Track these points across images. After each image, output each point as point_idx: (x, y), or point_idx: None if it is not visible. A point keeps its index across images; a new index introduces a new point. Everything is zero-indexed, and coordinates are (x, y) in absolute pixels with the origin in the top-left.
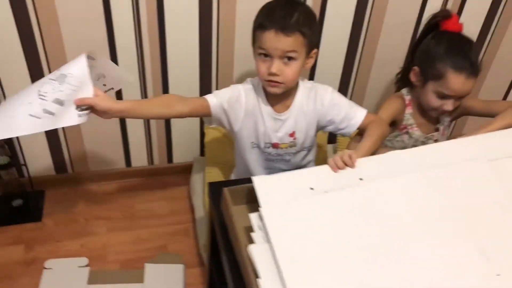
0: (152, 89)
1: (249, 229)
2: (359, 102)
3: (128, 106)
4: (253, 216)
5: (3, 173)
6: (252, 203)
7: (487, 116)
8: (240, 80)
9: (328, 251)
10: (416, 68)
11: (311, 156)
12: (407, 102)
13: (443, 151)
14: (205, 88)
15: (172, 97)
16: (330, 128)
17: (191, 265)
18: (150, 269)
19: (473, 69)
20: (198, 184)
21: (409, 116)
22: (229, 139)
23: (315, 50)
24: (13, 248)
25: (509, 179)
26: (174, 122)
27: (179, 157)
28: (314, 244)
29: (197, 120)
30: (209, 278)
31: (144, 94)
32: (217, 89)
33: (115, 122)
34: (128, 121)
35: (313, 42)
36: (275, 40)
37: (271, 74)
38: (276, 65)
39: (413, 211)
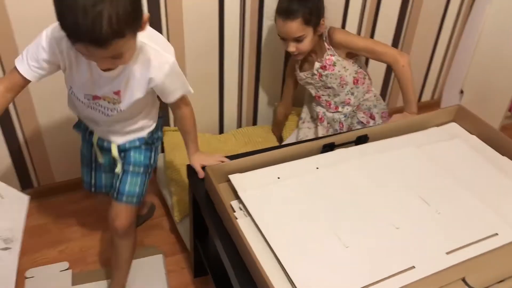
0: None
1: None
2: None
3: None
4: (233, 203)
5: None
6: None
7: (372, 57)
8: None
9: (298, 216)
10: None
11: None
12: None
13: (383, 144)
14: None
15: None
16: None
17: (169, 254)
18: (133, 265)
19: (287, 13)
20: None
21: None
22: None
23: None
24: None
25: (433, 156)
26: None
27: None
28: (285, 214)
29: None
30: (194, 251)
31: None
32: None
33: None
34: None
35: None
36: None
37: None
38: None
39: (363, 183)
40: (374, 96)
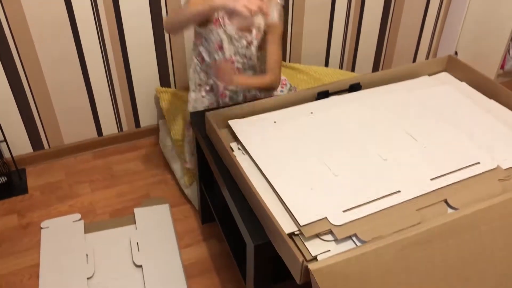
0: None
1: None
2: None
3: None
4: (233, 144)
5: None
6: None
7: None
8: None
9: (292, 153)
10: None
11: None
12: None
13: (375, 90)
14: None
15: None
16: None
17: (175, 204)
18: (139, 212)
19: None
20: (168, 140)
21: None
22: (180, 98)
23: None
24: (7, 218)
25: (422, 99)
26: (137, 89)
27: (145, 121)
28: (280, 151)
29: (157, 85)
30: (200, 198)
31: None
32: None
33: (84, 95)
34: (96, 93)
35: None
36: None
37: None
38: None
39: (354, 123)
40: None
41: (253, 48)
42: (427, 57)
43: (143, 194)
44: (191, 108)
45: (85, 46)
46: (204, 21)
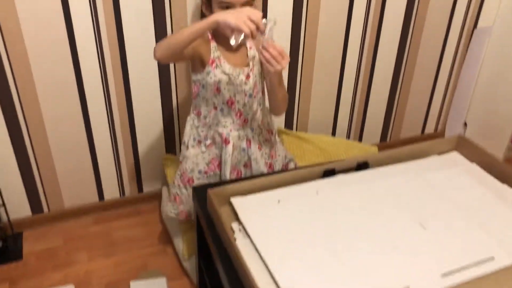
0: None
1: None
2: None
3: None
4: (234, 224)
5: None
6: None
7: (270, 89)
8: None
9: (296, 237)
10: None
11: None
12: (210, 37)
13: (383, 170)
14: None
15: None
16: None
17: (172, 278)
18: (135, 286)
19: None
20: None
21: (215, 49)
22: None
23: None
24: None
25: (432, 182)
26: (142, 153)
27: (149, 186)
28: (284, 234)
29: (162, 150)
30: (198, 273)
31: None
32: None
33: (87, 157)
34: (99, 155)
35: None
36: None
37: None
38: None
39: (362, 207)
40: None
41: (251, 81)
42: (436, 127)
43: (141, 265)
44: (190, 164)
45: (91, 110)
46: (199, 62)
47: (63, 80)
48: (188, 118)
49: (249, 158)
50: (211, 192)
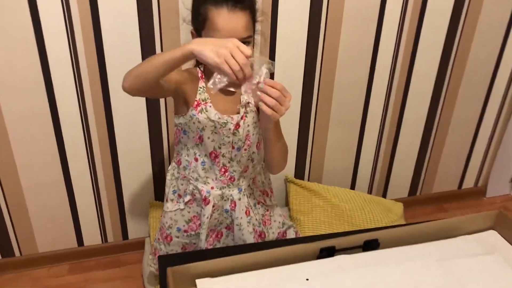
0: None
1: None
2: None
3: None
4: None
5: None
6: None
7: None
8: None
9: None
10: (191, 31)
11: None
12: (199, 74)
13: (396, 253)
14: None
15: None
16: None
17: None
18: None
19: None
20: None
21: (202, 90)
22: None
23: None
24: None
25: (458, 274)
26: (127, 197)
27: (134, 232)
28: None
29: (151, 195)
30: None
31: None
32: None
33: (64, 197)
34: (78, 196)
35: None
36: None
37: None
38: None
39: None
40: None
41: (242, 132)
42: (476, 181)
43: None
44: (168, 220)
45: (68, 145)
46: (182, 101)
47: (36, 111)
48: (169, 166)
49: (232, 221)
50: (170, 271)
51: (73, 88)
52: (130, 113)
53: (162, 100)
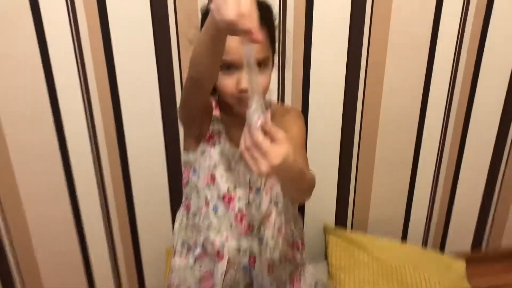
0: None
1: None
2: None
3: None
4: None
5: None
6: None
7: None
8: None
9: None
10: None
11: None
12: (214, 103)
13: None
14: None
15: None
16: None
17: None
18: None
19: None
20: None
21: (216, 120)
22: None
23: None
24: None
25: None
26: (144, 245)
27: (153, 282)
28: None
29: (168, 237)
30: None
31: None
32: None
33: (74, 242)
34: (90, 241)
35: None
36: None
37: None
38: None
39: None
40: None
41: None
42: None
43: None
44: (176, 279)
45: (80, 190)
46: (194, 133)
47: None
48: (178, 213)
49: (252, 281)
50: None
51: (83, 118)
52: (146, 151)
53: (181, 138)
